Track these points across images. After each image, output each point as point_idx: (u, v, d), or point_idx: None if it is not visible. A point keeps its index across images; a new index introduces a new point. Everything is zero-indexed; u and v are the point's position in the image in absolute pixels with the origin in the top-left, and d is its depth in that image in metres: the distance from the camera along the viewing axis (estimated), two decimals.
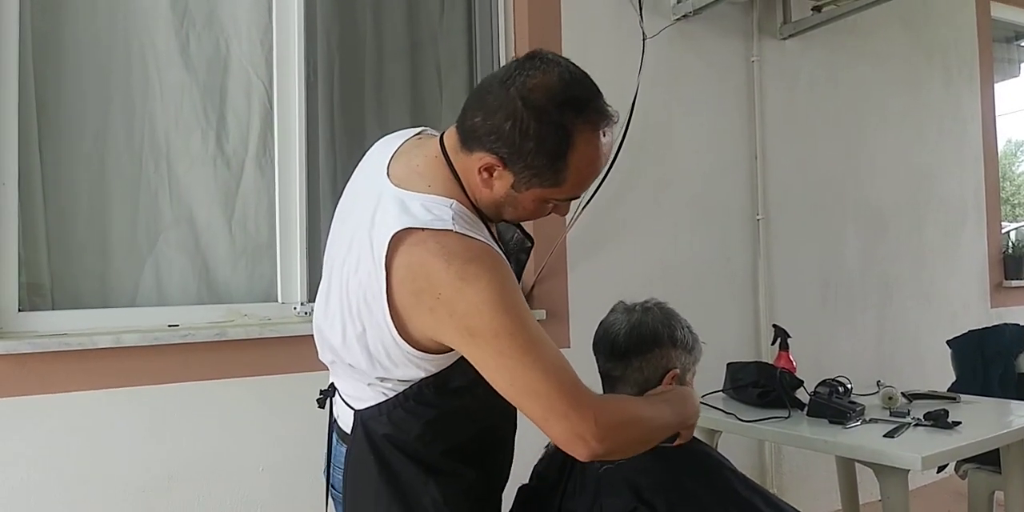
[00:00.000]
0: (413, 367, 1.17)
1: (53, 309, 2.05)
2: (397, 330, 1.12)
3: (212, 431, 2.12)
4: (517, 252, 1.39)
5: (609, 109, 1.14)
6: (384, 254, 1.09)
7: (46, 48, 2.10)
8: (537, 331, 1.11)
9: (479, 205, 1.19)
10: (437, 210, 1.12)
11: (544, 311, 2.61)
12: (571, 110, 1.09)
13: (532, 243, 1.41)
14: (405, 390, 1.20)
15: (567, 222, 2.67)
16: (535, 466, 1.48)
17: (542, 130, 1.08)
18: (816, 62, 3.45)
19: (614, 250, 2.83)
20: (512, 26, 2.74)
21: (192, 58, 2.29)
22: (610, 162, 2.70)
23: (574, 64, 1.15)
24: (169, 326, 2.13)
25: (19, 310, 1.99)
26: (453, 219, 1.11)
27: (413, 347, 1.14)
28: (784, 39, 3.33)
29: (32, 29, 2.07)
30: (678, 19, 2.96)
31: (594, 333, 1.49)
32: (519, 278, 1.27)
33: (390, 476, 1.21)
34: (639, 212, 2.90)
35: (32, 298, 2.04)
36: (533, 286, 2.64)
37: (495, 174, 1.13)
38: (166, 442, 2.06)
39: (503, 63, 2.71)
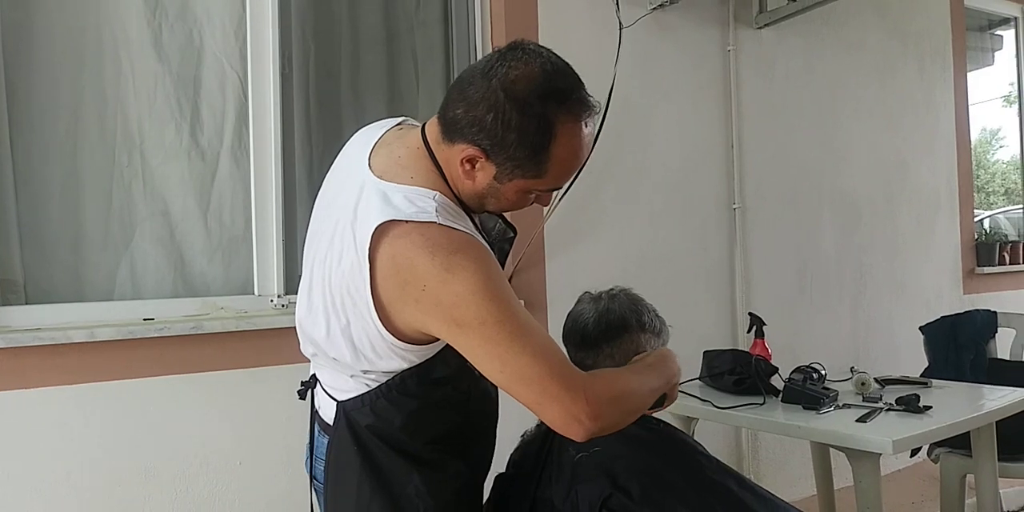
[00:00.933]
0: (398, 359, 1.18)
1: (26, 304, 2.03)
2: (382, 322, 1.13)
3: (189, 425, 2.12)
4: (500, 242, 1.38)
5: (591, 99, 1.14)
6: (367, 247, 1.09)
7: (16, 39, 2.07)
8: (525, 317, 1.13)
9: (461, 196, 1.20)
10: (420, 202, 1.12)
11: (522, 302, 2.61)
12: (553, 102, 1.09)
13: (515, 233, 1.40)
14: (388, 381, 1.21)
15: (545, 212, 2.68)
16: (511, 455, 1.49)
17: (524, 122, 1.08)
18: (792, 51, 3.47)
19: (592, 240, 2.85)
20: (488, 15, 2.73)
21: (165, 49, 2.26)
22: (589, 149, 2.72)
23: (556, 55, 1.15)
24: (144, 320, 2.11)
25: None
26: (437, 211, 1.11)
27: (398, 339, 1.14)
28: (760, 28, 3.34)
29: (2, 20, 2.04)
30: (654, 8, 2.96)
31: (563, 325, 1.50)
32: (502, 267, 1.27)
33: (372, 466, 1.22)
34: (616, 202, 2.92)
35: (4, 293, 2.01)
36: (511, 277, 2.65)
37: (477, 166, 1.13)
38: (142, 437, 2.05)
39: (480, 52, 2.71)
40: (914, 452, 2.72)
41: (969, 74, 4.35)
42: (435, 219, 1.10)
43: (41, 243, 2.09)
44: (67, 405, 1.97)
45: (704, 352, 2.46)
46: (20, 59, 2.08)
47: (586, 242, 2.83)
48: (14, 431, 1.91)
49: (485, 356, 1.11)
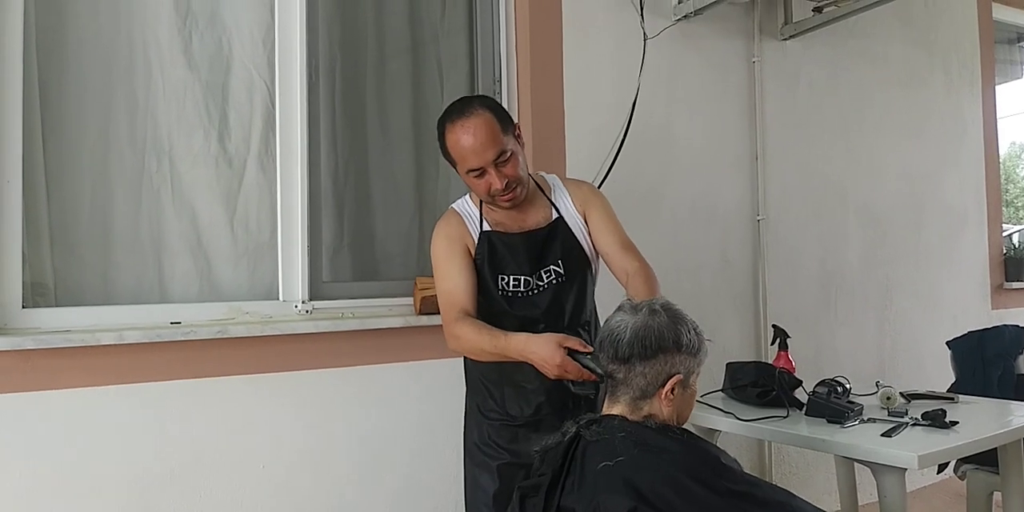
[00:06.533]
0: None
1: (56, 306, 2.06)
2: None
3: (213, 428, 2.13)
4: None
5: (467, 110, 1.74)
6: None
7: (50, 46, 2.11)
8: (441, 267, 1.84)
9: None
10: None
11: None
12: (444, 117, 1.78)
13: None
14: None
15: None
16: (532, 463, 1.49)
17: (438, 133, 1.79)
18: (817, 63, 3.46)
19: None
20: (513, 25, 2.75)
21: (195, 57, 2.30)
22: (611, 162, 2.73)
23: (480, 96, 1.89)
24: (171, 323, 2.14)
25: (23, 307, 1.99)
26: (457, 203, 1.95)
27: None
28: (785, 40, 3.34)
29: (36, 27, 2.08)
30: (679, 19, 2.96)
31: (600, 330, 1.49)
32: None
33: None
34: (639, 212, 2.91)
35: (35, 296, 2.05)
36: None
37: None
38: (167, 439, 2.07)
39: (504, 62, 2.74)
40: (941, 468, 2.68)
41: (997, 87, 4.31)
42: (453, 206, 1.94)
43: (71, 246, 2.12)
44: (95, 406, 1.99)
45: (727, 364, 2.45)
46: (53, 65, 2.12)
47: None
48: (42, 431, 1.94)
49: None
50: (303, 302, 2.33)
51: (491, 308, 1.84)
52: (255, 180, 2.37)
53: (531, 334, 1.65)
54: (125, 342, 2.00)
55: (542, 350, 1.58)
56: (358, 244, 2.56)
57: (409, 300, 2.48)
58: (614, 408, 1.45)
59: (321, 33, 2.47)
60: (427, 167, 2.70)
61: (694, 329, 1.44)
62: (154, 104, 2.24)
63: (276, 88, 2.37)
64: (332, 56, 2.51)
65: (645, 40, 2.86)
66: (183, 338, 2.07)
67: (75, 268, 2.13)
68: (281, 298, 2.34)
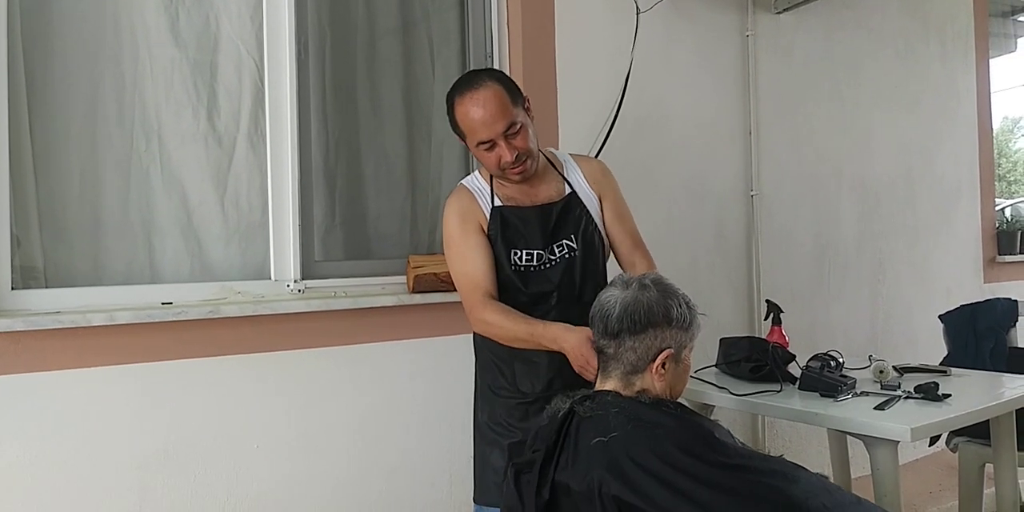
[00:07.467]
0: None
1: (46, 287, 2.05)
2: None
3: (206, 408, 2.13)
4: None
5: (474, 82, 1.75)
6: None
7: (34, 26, 2.08)
8: (457, 248, 1.84)
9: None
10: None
11: None
12: (452, 89, 1.79)
13: None
14: None
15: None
16: (527, 440, 1.49)
17: (447, 107, 1.80)
18: (811, 36, 3.43)
19: None
20: (505, 2, 2.71)
21: (182, 35, 2.26)
22: (604, 137, 2.71)
23: (489, 69, 1.91)
24: (163, 304, 2.12)
25: (12, 288, 1.98)
26: (467, 179, 1.94)
27: None
28: (779, 13, 3.31)
29: (20, 7, 2.04)
30: None
31: (591, 306, 1.49)
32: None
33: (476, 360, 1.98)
34: (632, 188, 2.85)
35: (25, 279, 2.03)
36: None
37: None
38: (160, 419, 2.07)
39: (496, 39, 2.71)
40: (933, 441, 2.71)
41: (991, 60, 4.29)
42: (463, 181, 1.94)
43: (61, 228, 2.10)
44: (86, 387, 1.99)
45: (721, 339, 2.46)
46: (38, 45, 2.08)
47: None
48: (34, 413, 1.93)
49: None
50: (295, 281, 2.32)
51: (503, 283, 1.84)
52: (245, 158, 2.35)
53: (568, 325, 1.68)
54: (116, 323, 1.99)
55: (573, 339, 1.62)
56: (350, 223, 2.55)
57: (402, 279, 2.47)
58: (607, 383, 1.45)
59: (310, 9, 2.43)
60: (419, 145, 2.68)
61: (685, 303, 1.44)
62: (142, 83, 2.21)
63: (265, 65, 2.34)
64: (322, 32, 2.48)
65: (638, 14, 2.83)
66: (174, 318, 2.06)
67: (65, 249, 2.11)
68: (273, 277, 2.32)
